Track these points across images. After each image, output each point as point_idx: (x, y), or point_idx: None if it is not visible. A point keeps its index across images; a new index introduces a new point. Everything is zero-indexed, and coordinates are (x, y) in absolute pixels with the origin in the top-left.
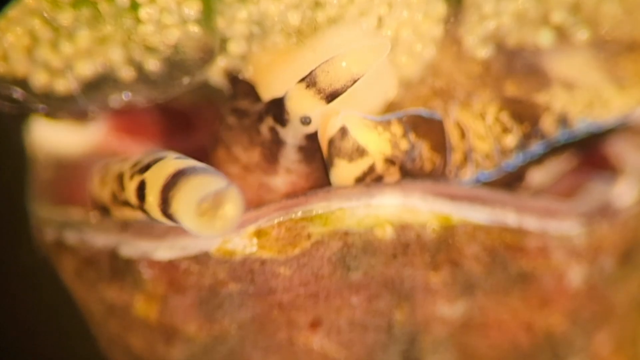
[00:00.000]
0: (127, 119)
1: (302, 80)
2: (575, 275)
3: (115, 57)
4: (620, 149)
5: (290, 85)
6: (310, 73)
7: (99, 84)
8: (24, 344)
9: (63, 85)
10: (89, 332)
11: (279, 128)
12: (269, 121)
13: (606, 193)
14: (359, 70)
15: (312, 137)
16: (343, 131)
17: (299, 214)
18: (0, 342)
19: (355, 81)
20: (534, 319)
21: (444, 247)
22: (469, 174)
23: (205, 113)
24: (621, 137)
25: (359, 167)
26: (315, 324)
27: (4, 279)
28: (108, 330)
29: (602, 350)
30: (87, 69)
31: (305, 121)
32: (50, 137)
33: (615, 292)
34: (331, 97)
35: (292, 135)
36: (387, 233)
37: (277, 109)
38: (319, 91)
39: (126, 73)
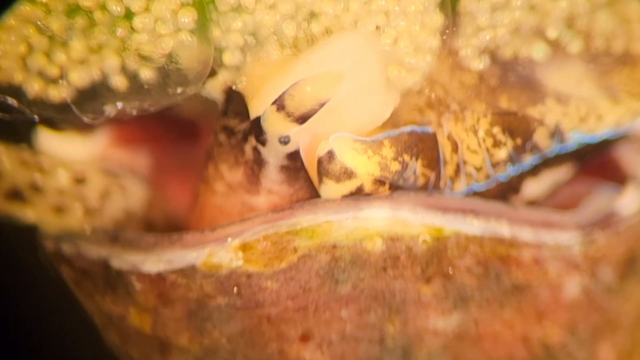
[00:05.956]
0: (129, 128)
1: (274, 103)
2: (573, 286)
3: (109, 65)
4: (627, 158)
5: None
6: (280, 97)
7: (93, 93)
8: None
9: (57, 94)
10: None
11: (260, 147)
12: (252, 141)
13: (610, 203)
14: (324, 94)
15: (294, 156)
16: (330, 154)
17: (284, 227)
18: (5, 344)
19: (322, 105)
20: (531, 331)
21: (435, 259)
22: (461, 186)
23: (208, 121)
24: (627, 146)
25: (347, 187)
26: (305, 337)
27: (10, 284)
28: (110, 337)
29: None
30: (81, 77)
31: (284, 141)
32: (55, 147)
33: (618, 303)
34: (301, 119)
35: (273, 154)
36: (376, 246)
37: (258, 128)
38: (288, 114)
39: (120, 82)
